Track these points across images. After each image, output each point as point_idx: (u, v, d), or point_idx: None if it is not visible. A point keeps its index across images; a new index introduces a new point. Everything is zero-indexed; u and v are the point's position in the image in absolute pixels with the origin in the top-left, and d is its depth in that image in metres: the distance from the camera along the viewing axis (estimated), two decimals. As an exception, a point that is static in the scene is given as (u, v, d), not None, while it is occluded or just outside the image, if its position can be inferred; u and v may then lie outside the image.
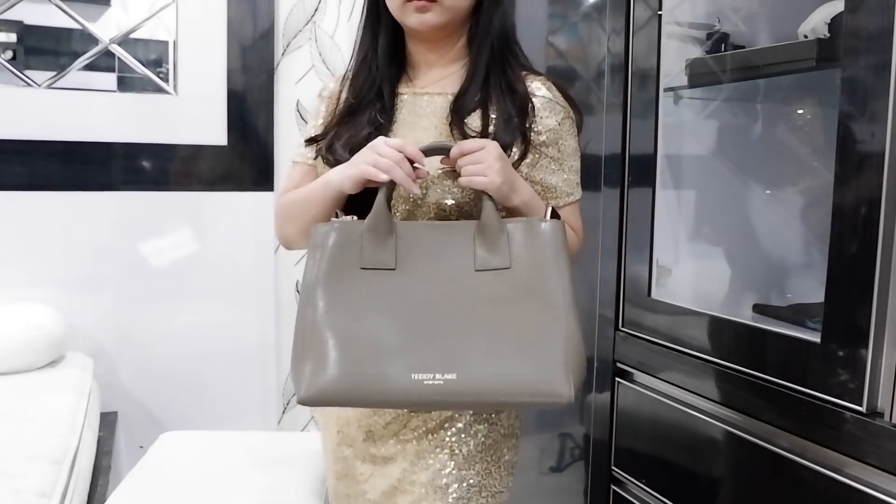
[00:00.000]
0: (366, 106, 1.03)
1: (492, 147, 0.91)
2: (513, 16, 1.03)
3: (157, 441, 1.62)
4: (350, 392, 0.83)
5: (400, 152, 0.90)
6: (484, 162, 0.90)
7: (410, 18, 0.97)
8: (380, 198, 0.90)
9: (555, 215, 0.94)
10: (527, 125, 0.98)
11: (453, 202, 0.97)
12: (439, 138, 0.99)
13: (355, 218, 0.93)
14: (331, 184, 0.96)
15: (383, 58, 1.04)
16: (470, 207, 0.97)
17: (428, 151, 0.92)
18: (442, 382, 0.82)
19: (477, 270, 0.88)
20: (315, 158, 1.06)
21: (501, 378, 0.83)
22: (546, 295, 0.86)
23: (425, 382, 0.83)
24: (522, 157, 0.98)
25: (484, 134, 0.96)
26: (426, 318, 0.86)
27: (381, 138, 0.93)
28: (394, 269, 0.88)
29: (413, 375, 0.83)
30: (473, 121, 0.98)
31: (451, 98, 1.00)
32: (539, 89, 1.01)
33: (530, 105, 0.99)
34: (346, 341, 0.84)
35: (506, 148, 0.95)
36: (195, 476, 1.45)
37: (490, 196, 0.90)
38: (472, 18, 1.02)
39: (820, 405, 0.95)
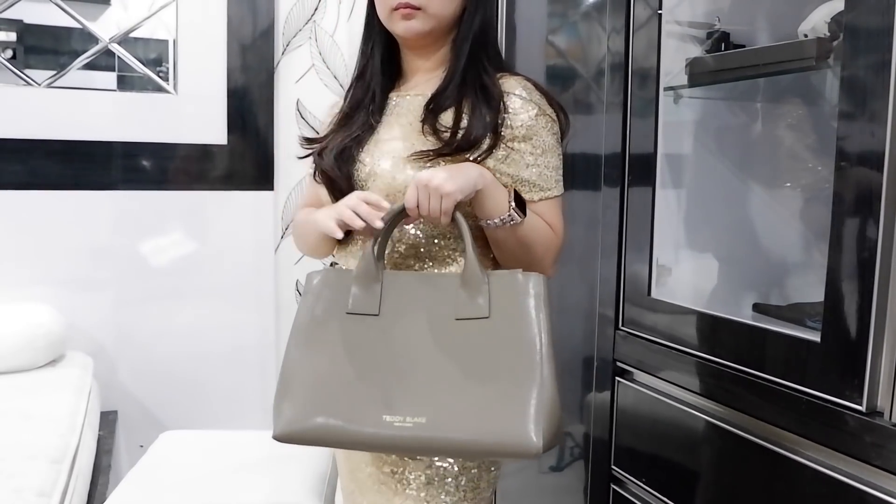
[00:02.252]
0: (359, 111, 1.09)
1: (421, 181, 0.93)
2: (495, 21, 1.11)
3: (157, 440, 1.62)
4: (323, 432, 0.88)
5: (364, 203, 0.96)
6: (430, 198, 0.92)
7: (397, 26, 1.04)
8: (367, 247, 0.96)
9: (519, 200, 0.99)
10: (498, 120, 1.01)
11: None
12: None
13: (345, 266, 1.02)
14: (318, 225, 1.03)
15: (378, 66, 1.10)
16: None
17: (390, 220, 0.97)
18: (411, 426, 0.85)
19: (457, 319, 0.90)
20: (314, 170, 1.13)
21: (471, 426, 0.84)
22: (523, 346, 0.88)
23: (395, 424, 0.86)
24: (490, 150, 1.01)
25: (455, 129, 1.00)
26: (403, 362, 0.89)
27: (353, 194, 0.99)
28: (377, 315, 0.93)
29: (384, 417, 0.87)
30: (446, 118, 1.02)
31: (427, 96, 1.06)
32: (514, 88, 1.05)
33: (502, 103, 1.02)
34: (324, 384, 0.90)
35: (476, 142, 1.00)
36: (195, 475, 1.45)
37: (468, 233, 0.94)
38: (456, 25, 1.07)
39: (819, 404, 0.95)
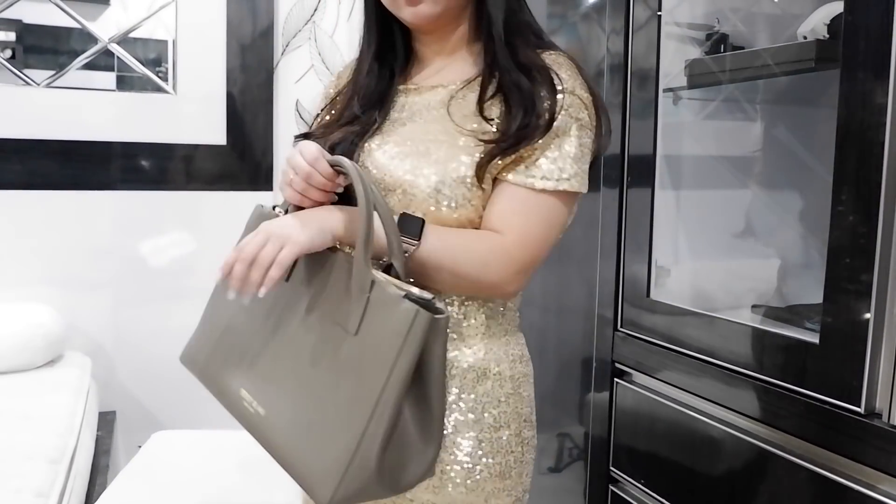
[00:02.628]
0: (359, 104, 0.96)
1: (264, 228, 0.81)
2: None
3: (150, 440, 1.62)
4: (203, 372, 0.91)
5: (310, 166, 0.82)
6: (269, 241, 0.79)
7: (404, 12, 0.91)
8: (285, 208, 0.89)
9: (411, 224, 0.81)
10: (556, 103, 0.84)
11: None
12: (441, 133, 0.87)
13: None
14: None
15: (375, 55, 0.98)
16: None
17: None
18: (253, 413, 0.82)
19: (334, 322, 0.79)
20: None
21: (288, 441, 0.78)
22: (366, 387, 0.74)
23: (244, 403, 0.83)
24: (543, 133, 0.83)
25: (506, 124, 0.84)
26: (277, 343, 0.83)
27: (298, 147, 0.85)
28: (286, 281, 0.82)
29: (241, 391, 0.84)
30: (493, 110, 0.86)
31: (451, 88, 0.92)
32: (560, 68, 0.88)
33: (555, 77, 0.85)
34: (223, 326, 0.90)
35: (524, 136, 0.83)
36: (186, 475, 1.45)
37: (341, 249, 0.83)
38: (472, 2, 0.93)
39: (818, 406, 0.95)
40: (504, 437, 0.88)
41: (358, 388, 0.74)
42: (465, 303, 0.89)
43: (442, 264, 0.83)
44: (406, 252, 0.80)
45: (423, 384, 0.78)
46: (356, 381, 0.75)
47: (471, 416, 0.88)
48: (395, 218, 0.81)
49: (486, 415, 0.88)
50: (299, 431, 0.78)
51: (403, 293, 0.75)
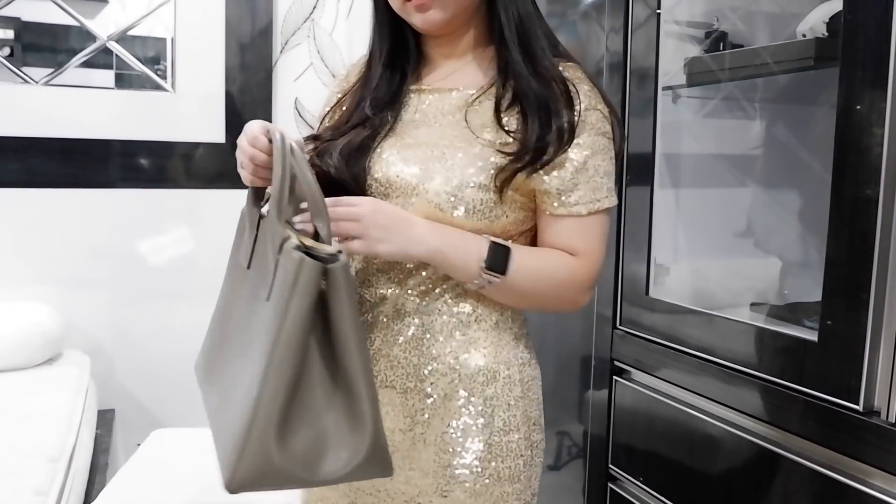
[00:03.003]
0: (370, 105, 0.94)
1: (368, 207, 0.81)
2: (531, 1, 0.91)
3: (148, 438, 1.61)
4: (202, 384, 0.87)
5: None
6: (361, 220, 0.80)
7: (413, 18, 0.90)
8: (249, 191, 0.86)
9: (498, 256, 0.82)
10: (574, 116, 0.85)
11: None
12: (456, 135, 0.88)
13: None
14: None
15: (387, 57, 0.96)
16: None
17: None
18: (211, 402, 0.81)
19: (256, 296, 0.75)
20: None
21: (222, 427, 0.73)
22: (262, 347, 0.68)
23: (204, 395, 0.84)
24: (557, 152, 0.84)
25: (524, 136, 0.84)
26: (230, 329, 0.82)
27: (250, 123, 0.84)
28: (247, 269, 0.81)
29: (204, 384, 0.85)
30: (511, 121, 0.86)
31: (466, 93, 0.91)
32: (575, 79, 0.88)
33: (573, 90, 0.86)
34: (210, 326, 0.90)
35: (544, 149, 0.83)
36: (186, 473, 1.45)
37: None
38: (483, 5, 0.92)
39: (817, 404, 0.95)
40: (514, 441, 0.88)
41: (258, 355, 0.68)
42: (478, 307, 0.89)
43: (523, 291, 0.87)
44: (491, 283, 0.84)
45: (333, 350, 0.70)
46: (258, 350, 0.69)
47: (480, 420, 0.87)
48: (486, 251, 0.83)
49: (495, 418, 0.87)
50: (218, 415, 0.74)
51: (297, 245, 0.69)
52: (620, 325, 1.37)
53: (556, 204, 0.86)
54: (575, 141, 0.85)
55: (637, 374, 1.33)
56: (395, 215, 0.82)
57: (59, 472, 1.30)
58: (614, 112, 0.90)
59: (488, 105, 0.88)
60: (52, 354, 1.81)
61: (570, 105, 0.85)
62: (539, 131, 0.83)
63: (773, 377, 1.03)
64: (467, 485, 0.86)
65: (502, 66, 0.89)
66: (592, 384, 1.45)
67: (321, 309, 0.69)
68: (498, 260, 0.83)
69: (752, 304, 1.29)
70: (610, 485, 1.40)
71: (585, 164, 0.85)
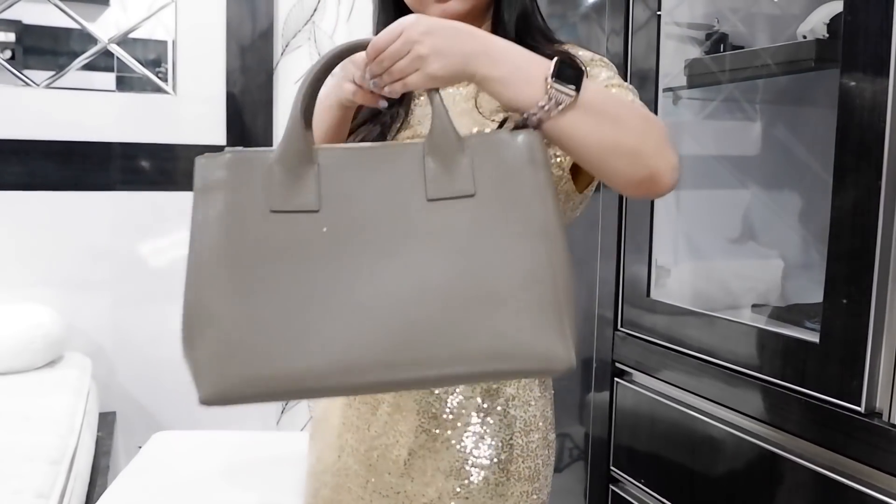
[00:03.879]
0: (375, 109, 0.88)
1: (411, 25, 0.68)
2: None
3: (150, 441, 1.61)
4: (262, 383, 0.63)
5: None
6: (411, 52, 0.67)
7: (432, 10, 0.86)
8: (294, 112, 0.67)
9: (567, 70, 0.68)
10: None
11: None
12: (475, 124, 0.83)
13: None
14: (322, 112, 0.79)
15: None
16: None
17: (338, 54, 0.69)
18: (373, 350, 0.62)
19: (430, 200, 0.65)
20: None
21: (462, 339, 0.63)
22: (527, 230, 0.64)
23: (351, 350, 0.63)
24: None
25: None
26: (359, 275, 0.65)
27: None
28: (317, 212, 0.65)
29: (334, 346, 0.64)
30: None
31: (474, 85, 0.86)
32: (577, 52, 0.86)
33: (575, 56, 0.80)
34: (249, 320, 0.63)
35: None
36: (187, 476, 1.45)
37: (438, 94, 0.68)
38: (493, 4, 0.90)
39: (818, 405, 0.95)
40: (534, 441, 0.88)
41: (519, 242, 0.64)
42: None
43: (606, 112, 0.70)
44: (561, 105, 0.68)
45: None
46: (513, 237, 0.64)
47: (502, 420, 0.87)
48: (552, 64, 0.68)
49: (517, 419, 0.87)
50: (474, 326, 0.63)
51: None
52: (621, 326, 1.37)
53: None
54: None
55: (638, 376, 1.33)
56: (444, 24, 0.69)
57: (60, 475, 1.30)
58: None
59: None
60: (54, 357, 1.81)
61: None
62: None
63: (774, 378, 1.03)
64: (489, 486, 0.85)
65: None
66: (594, 386, 1.45)
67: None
68: (568, 73, 0.68)
69: (754, 306, 1.29)
70: (611, 486, 1.39)
71: (607, 87, 0.81)
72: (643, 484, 1.30)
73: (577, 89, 0.68)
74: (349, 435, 0.90)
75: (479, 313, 0.63)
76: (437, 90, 0.68)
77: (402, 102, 0.90)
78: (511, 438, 0.86)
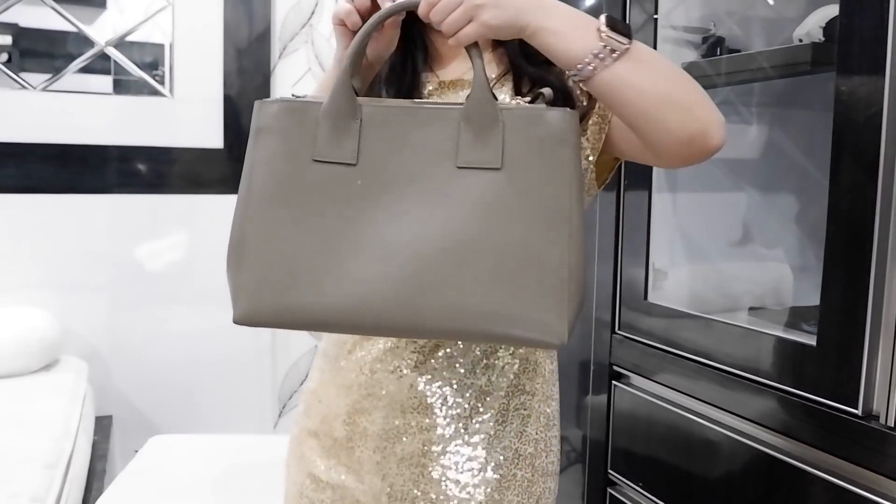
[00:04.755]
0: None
1: None
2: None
3: (146, 445, 1.61)
4: (289, 313, 0.69)
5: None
6: (465, 2, 0.67)
7: None
8: (345, 64, 0.70)
9: (619, 23, 0.69)
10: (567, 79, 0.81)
11: None
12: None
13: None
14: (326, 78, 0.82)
15: (401, 53, 0.88)
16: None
17: (382, 18, 0.71)
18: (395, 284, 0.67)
19: (459, 167, 0.68)
20: None
21: (481, 303, 0.66)
22: (546, 213, 0.67)
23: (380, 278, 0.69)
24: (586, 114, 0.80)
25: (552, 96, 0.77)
26: (385, 231, 0.68)
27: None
28: (354, 165, 0.69)
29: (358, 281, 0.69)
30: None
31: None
32: None
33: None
34: (286, 253, 0.69)
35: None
36: (183, 480, 1.44)
37: (480, 59, 0.69)
38: None
39: (815, 408, 0.95)
40: (554, 437, 0.89)
41: (541, 217, 0.67)
42: None
43: (657, 63, 0.71)
44: (616, 53, 0.68)
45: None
46: (536, 212, 0.67)
47: (529, 417, 0.86)
48: (603, 18, 0.69)
49: (540, 416, 0.87)
50: (485, 291, 0.67)
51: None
52: (619, 329, 1.37)
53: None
54: None
55: (636, 379, 1.33)
56: None
57: (56, 479, 1.30)
58: None
59: (504, 92, 0.85)
60: (50, 360, 1.80)
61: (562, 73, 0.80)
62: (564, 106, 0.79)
63: (771, 381, 1.03)
64: (520, 483, 0.85)
65: (513, 58, 0.86)
66: (591, 389, 1.45)
67: None
68: (619, 25, 0.69)
69: (751, 309, 1.29)
70: (609, 489, 1.39)
71: None
72: (641, 487, 1.30)
73: (629, 39, 0.68)
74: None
75: (485, 278, 0.66)
76: (480, 57, 0.69)
77: (412, 96, 0.87)
78: (537, 434, 0.87)
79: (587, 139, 0.83)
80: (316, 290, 0.69)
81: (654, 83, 0.70)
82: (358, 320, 0.69)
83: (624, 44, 0.68)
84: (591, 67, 0.68)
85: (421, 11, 0.70)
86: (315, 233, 0.70)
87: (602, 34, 0.68)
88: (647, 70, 0.70)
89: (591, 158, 0.84)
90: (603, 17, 0.68)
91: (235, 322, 0.72)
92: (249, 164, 0.73)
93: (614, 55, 0.68)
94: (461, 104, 0.70)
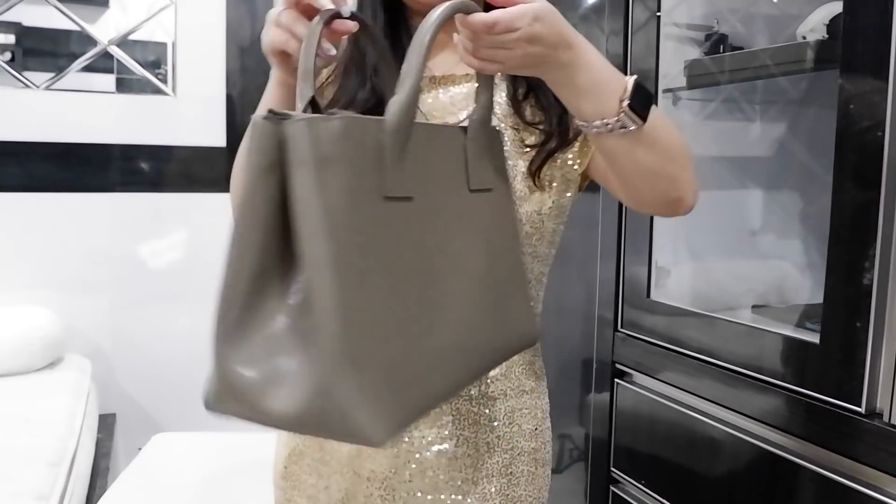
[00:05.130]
0: (360, 95, 0.82)
1: (537, 18, 0.61)
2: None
3: (150, 442, 1.61)
4: (423, 405, 0.56)
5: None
6: (518, 47, 0.61)
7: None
8: (417, 75, 0.56)
9: (642, 97, 0.65)
10: None
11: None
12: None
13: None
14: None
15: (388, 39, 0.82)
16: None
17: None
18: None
19: (472, 191, 0.63)
20: None
21: (482, 332, 0.62)
22: (516, 219, 0.70)
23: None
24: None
25: (548, 127, 0.78)
26: (439, 273, 0.58)
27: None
28: (411, 200, 0.55)
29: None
30: (526, 110, 0.81)
31: (473, 85, 0.80)
32: None
33: None
34: (395, 329, 0.52)
35: (567, 129, 0.78)
36: (187, 477, 1.45)
37: (492, 80, 0.66)
38: None
39: (819, 406, 0.95)
40: (549, 428, 0.90)
41: (512, 246, 0.71)
42: None
43: (658, 141, 0.69)
44: (625, 129, 0.65)
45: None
46: (511, 231, 0.71)
47: (534, 410, 0.87)
48: (629, 86, 0.65)
49: (539, 408, 0.88)
50: (491, 320, 0.67)
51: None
52: (622, 327, 1.37)
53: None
54: None
55: (638, 377, 1.33)
56: (553, 28, 0.63)
57: (60, 477, 1.30)
58: None
59: (499, 93, 0.83)
60: (53, 359, 1.81)
61: None
62: (561, 115, 0.78)
63: (774, 379, 1.03)
64: (526, 478, 0.86)
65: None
66: (594, 387, 1.45)
67: None
68: (641, 101, 0.65)
69: (754, 307, 1.29)
70: (612, 487, 1.39)
71: None
72: (643, 485, 1.30)
73: (644, 119, 0.66)
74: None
75: (504, 301, 0.66)
76: (492, 80, 0.67)
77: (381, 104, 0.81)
78: (538, 425, 0.88)
79: (576, 151, 0.81)
80: (427, 377, 0.55)
81: (648, 159, 0.70)
82: (448, 397, 0.64)
83: (637, 124, 0.66)
84: (594, 131, 0.66)
85: (477, 24, 0.59)
86: (404, 299, 0.53)
87: (622, 106, 0.65)
88: (649, 146, 0.69)
89: (579, 172, 0.82)
90: (630, 85, 0.65)
91: (376, 445, 0.49)
92: (320, 212, 0.48)
93: (622, 130, 0.66)
94: (462, 125, 0.65)
